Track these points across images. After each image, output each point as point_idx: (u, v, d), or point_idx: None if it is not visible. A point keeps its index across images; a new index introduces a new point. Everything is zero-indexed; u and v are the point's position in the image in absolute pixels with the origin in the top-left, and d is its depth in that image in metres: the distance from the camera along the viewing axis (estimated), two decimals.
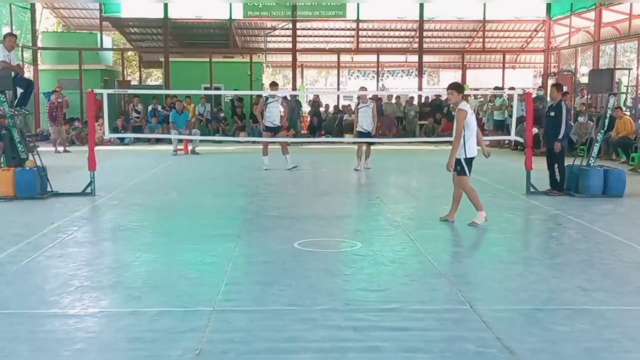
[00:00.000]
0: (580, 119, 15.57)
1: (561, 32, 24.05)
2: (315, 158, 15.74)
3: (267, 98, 13.15)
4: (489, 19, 23.40)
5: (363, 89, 14.98)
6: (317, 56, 28.13)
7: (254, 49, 25.31)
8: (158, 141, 19.31)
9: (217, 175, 12.16)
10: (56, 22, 27.02)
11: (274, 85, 13.56)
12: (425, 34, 23.40)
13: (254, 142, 18.43)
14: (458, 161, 7.38)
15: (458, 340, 3.96)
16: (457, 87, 7.50)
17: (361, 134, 12.83)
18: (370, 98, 13.23)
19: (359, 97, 13.44)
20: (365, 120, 12.61)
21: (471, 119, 7.41)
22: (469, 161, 7.43)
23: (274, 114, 12.94)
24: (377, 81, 24.72)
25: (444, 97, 21.51)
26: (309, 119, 21.55)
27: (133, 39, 25.90)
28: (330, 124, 21.01)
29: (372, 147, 13.05)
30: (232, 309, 4.52)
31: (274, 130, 13.09)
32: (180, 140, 16.37)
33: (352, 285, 5.24)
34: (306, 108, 22.73)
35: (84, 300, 4.71)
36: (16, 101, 9.75)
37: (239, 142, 19.01)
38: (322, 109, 21.92)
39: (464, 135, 7.28)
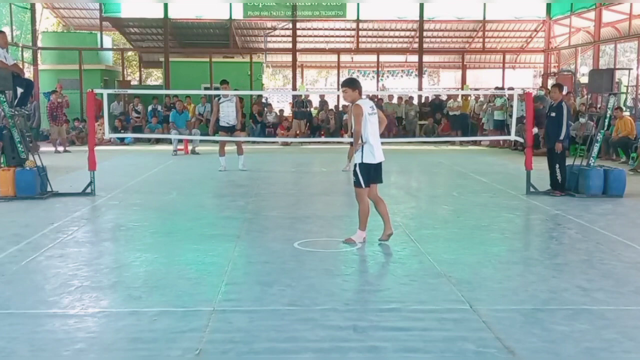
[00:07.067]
0: (582, 119, 15.58)
1: (561, 32, 24.06)
2: (315, 158, 15.75)
3: (219, 98, 12.82)
4: (489, 19, 23.43)
5: None
6: (317, 56, 28.15)
7: (254, 49, 25.33)
8: (158, 141, 19.34)
9: (217, 175, 12.16)
10: (56, 22, 27.04)
11: (223, 83, 12.68)
12: (425, 34, 23.42)
13: (253, 142, 18.48)
14: (355, 169, 6.44)
15: (458, 340, 3.96)
16: (350, 83, 6.47)
17: None
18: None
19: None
20: None
21: (371, 119, 6.37)
22: (365, 168, 6.37)
23: (227, 113, 12.58)
24: (377, 81, 24.73)
25: (444, 98, 21.62)
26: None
27: (133, 39, 25.92)
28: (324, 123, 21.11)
29: None
30: (232, 309, 4.52)
31: (228, 130, 12.70)
32: (180, 140, 16.39)
33: (352, 285, 5.24)
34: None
35: (84, 300, 4.71)
36: (16, 101, 9.74)
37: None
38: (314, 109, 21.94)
39: (361, 137, 6.28)
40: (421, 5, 22.42)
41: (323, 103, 21.79)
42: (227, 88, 12.72)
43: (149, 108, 20.72)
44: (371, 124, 6.35)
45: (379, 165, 6.47)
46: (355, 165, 6.44)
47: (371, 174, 6.40)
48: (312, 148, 18.40)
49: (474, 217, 8.08)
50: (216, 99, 13.04)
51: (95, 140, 10.34)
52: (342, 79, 25.58)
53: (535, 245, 7.08)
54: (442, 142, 19.39)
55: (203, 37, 24.67)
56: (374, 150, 6.35)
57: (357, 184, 6.43)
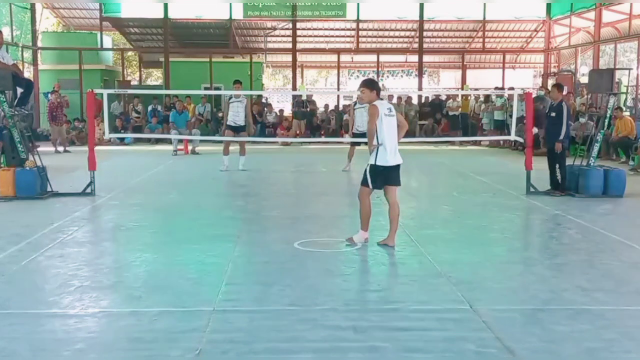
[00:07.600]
0: (582, 119, 15.58)
1: (561, 32, 24.07)
2: (315, 158, 15.74)
3: (230, 97, 12.83)
4: (489, 19, 23.43)
5: None
6: (317, 56, 28.16)
7: (254, 49, 25.33)
8: (158, 141, 19.34)
9: (217, 175, 12.16)
10: (56, 22, 27.05)
11: (236, 82, 12.72)
12: (425, 34, 23.42)
13: (253, 142, 18.46)
14: (366, 167, 6.38)
15: (458, 340, 3.95)
16: (368, 84, 6.44)
17: (358, 136, 12.49)
18: None
19: (359, 97, 13.23)
20: (363, 121, 12.38)
21: (387, 121, 6.29)
22: (376, 170, 6.31)
23: (235, 113, 12.58)
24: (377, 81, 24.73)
25: (444, 98, 21.62)
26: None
27: (133, 39, 25.92)
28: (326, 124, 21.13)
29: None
30: (232, 309, 4.52)
31: (234, 130, 12.67)
32: (180, 140, 16.38)
33: (352, 285, 5.24)
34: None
35: (84, 300, 4.71)
36: (16, 101, 9.74)
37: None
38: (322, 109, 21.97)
39: (376, 138, 6.24)
40: (421, 5, 22.42)
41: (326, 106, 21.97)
42: (239, 88, 12.79)
43: (149, 108, 20.71)
44: (387, 126, 6.30)
45: (394, 167, 6.40)
46: (367, 164, 6.40)
47: (381, 176, 6.34)
48: (312, 148, 18.40)
49: (474, 217, 8.09)
50: (227, 98, 13.07)
51: (95, 140, 10.34)
52: (342, 79, 25.83)
53: (535, 245, 7.08)
54: (442, 142, 19.38)
55: (203, 37, 24.66)
56: (388, 153, 6.29)
57: (363, 182, 6.40)
